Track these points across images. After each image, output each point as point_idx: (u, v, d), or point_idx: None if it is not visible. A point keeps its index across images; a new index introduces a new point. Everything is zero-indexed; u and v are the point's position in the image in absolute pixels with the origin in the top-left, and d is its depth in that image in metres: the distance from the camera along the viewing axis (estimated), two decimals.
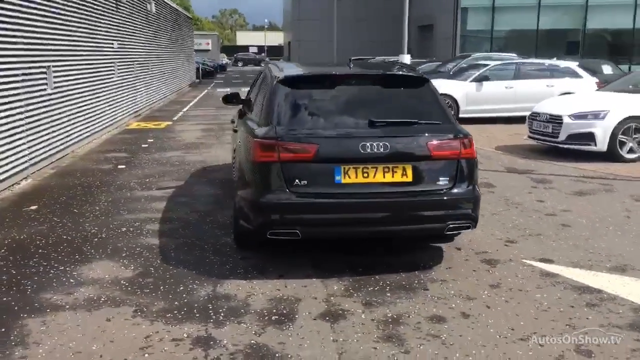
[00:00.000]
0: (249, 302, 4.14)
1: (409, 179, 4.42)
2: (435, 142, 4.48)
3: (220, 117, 16.40)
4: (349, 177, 4.38)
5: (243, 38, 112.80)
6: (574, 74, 14.96)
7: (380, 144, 4.36)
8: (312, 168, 4.39)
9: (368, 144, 4.35)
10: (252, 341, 3.58)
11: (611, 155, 9.45)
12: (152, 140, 11.97)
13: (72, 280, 4.55)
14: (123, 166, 9.19)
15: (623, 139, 9.48)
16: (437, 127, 4.61)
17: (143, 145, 11.33)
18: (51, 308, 4.06)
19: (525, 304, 4.08)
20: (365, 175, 4.39)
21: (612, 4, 27.31)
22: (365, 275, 4.60)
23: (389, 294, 4.25)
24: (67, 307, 4.08)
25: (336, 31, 32.13)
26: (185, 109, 18.92)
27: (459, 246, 5.23)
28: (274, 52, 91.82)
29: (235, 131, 6.82)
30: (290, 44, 40.65)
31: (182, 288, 4.38)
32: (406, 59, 16.74)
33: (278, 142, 4.38)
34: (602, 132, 9.47)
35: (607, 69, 19.18)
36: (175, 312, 3.99)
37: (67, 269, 4.79)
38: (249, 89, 7.17)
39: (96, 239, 5.53)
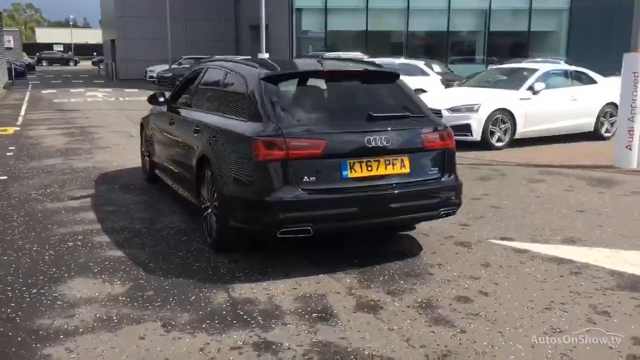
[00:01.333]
0: (276, 303, 4.07)
1: (407, 170, 4.64)
2: (427, 134, 4.75)
3: (72, 120, 15.28)
4: (355, 171, 4.48)
5: (44, 35, 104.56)
6: (423, 72, 16.24)
7: (383, 137, 4.52)
8: (320, 164, 4.43)
9: (372, 138, 4.49)
10: (314, 340, 3.55)
11: (484, 144, 10.52)
12: (13, 148, 10.83)
13: (60, 302, 4.10)
14: (4, 177, 8.24)
15: (493, 129, 10.61)
16: (424, 119, 4.88)
17: (8, 154, 10.22)
18: (63, 333, 3.65)
19: (524, 278, 4.50)
20: (369, 168, 4.52)
21: (430, 8, 29.86)
22: (365, 266, 4.72)
23: (402, 282, 4.43)
24: (81, 330, 3.70)
25: (170, 29, 31.15)
26: (22, 113, 17.22)
27: (425, 232, 5.55)
28: (83, 50, 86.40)
29: (160, 130, 6.59)
30: (114, 42, 38.49)
31: (193, 298, 4.17)
32: (265, 57, 16.81)
33: (285, 139, 4.34)
34: (476, 124, 10.52)
35: (437, 68, 21.02)
36: (208, 321, 3.80)
37: (42, 291, 4.30)
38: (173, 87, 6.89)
39: (47, 257, 4.99)
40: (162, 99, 7.08)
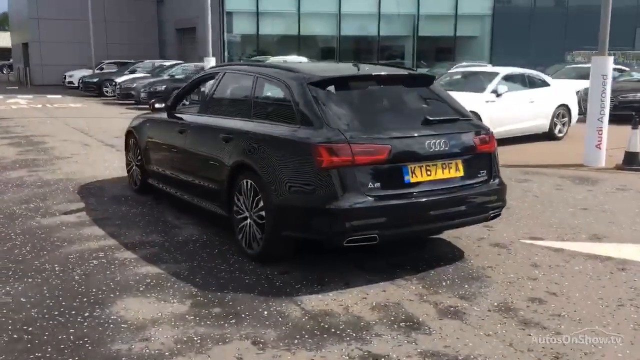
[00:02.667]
0: (356, 314, 3.96)
1: (461, 173, 4.65)
2: (478, 137, 4.78)
3: (9, 129, 14.34)
4: (416, 176, 4.44)
5: None
6: None
7: (442, 141, 4.50)
8: (384, 169, 4.35)
9: (432, 142, 4.46)
10: (419, 350, 3.48)
11: None
12: None
13: (124, 325, 3.81)
14: None
15: None
16: (472, 123, 4.91)
17: None
18: (150, 358, 3.38)
19: (579, 277, 4.61)
20: (429, 173, 4.49)
21: (361, 13, 30.29)
22: (419, 272, 4.69)
23: (466, 286, 4.42)
24: (168, 353, 3.45)
25: (92, 32, 29.86)
26: None
27: (455, 235, 5.58)
28: None
29: (162, 138, 6.28)
30: (27, 46, 36.42)
31: (266, 313, 3.98)
32: (211, 62, 16.44)
33: (350, 145, 4.23)
34: None
35: None
36: (298, 336, 3.64)
37: (96, 314, 3.98)
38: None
39: (77, 277, 4.63)
40: (158, 106, 6.75)
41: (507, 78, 12.12)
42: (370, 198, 4.26)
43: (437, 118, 4.70)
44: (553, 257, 5.04)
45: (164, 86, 19.86)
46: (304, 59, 20.22)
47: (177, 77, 21.72)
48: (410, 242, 5.38)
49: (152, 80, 21.42)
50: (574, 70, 20.11)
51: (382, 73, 5.14)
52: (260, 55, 27.01)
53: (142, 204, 6.90)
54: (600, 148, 9.41)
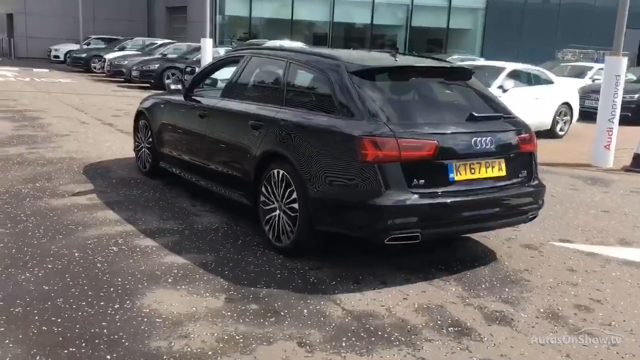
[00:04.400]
0: (400, 316, 3.80)
1: (503, 173, 4.50)
2: (520, 135, 4.63)
3: (2, 102, 13.84)
4: (460, 173, 4.29)
5: None
6: None
7: (487, 139, 4.35)
8: (430, 166, 4.19)
9: (478, 139, 4.31)
10: (475, 358, 3.34)
11: None
12: None
13: (159, 320, 3.61)
14: None
15: None
16: (515, 120, 4.76)
17: None
18: (194, 357, 3.20)
19: (619, 283, 4.52)
20: (473, 171, 4.34)
21: (355, 0, 30.02)
22: (454, 272, 4.56)
23: (507, 289, 4.30)
24: (211, 352, 3.28)
25: (81, 7, 29.14)
26: None
27: (483, 235, 5.44)
28: None
29: (179, 122, 6.06)
30: (12, 16, 35.48)
31: (306, 312, 3.81)
32: (208, 43, 16.09)
33: (397, 139, 4.06)
34: None
35: None
36: (344, 339, 3.49)
37: (126, 306, 3.77)
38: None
39: (100, 265, 4.41)
40: (174, 87, 6.50)
41: (513, 74, 12.02)
42: (414, 195, 4.09)
43: (482, 114, 4.54)
44: (588, 262, 4.93)
45: (157, 65, 19.46)
46: (301, 44, 19.88)
47: (169, 56, 21.30)
48: (439, 240, 5.23)
49: (144, 58, 20.97)
50: (567, 69, 20.16)
51: (425, 65, 4.97)
52: (253, 39, 26.62)
53: (153, 187, 6.66)
54: (609, 149, 9.36)
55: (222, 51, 19.50)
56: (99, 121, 11.66)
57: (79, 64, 26.15)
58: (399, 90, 4.62)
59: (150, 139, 6.89)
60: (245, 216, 5.52)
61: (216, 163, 5.61)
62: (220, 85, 6.30)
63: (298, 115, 4.70)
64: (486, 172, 4.41)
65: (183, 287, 4.10)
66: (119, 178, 7.04)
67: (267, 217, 4.85)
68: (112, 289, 4.00)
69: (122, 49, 25.55)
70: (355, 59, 4.79)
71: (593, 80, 18.88)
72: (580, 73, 19.56)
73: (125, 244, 4.87)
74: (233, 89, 5.64)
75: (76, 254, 4.59)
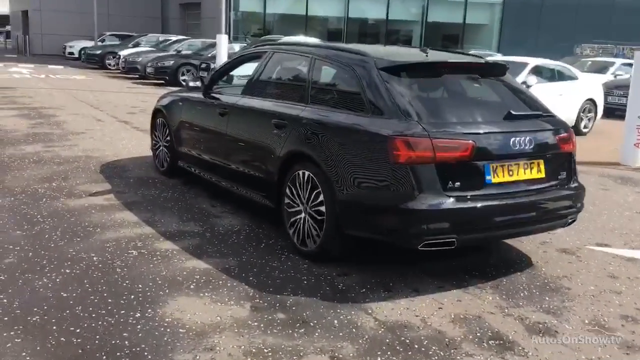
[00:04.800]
0: (436, 327, 3.59)
1: (542, 174, 4.27)
2: (560, 135, 4.39)
3: (16, 100, 13.79)
4: (497, 176, 4.06)
5: None
6: None
7: (526, 138, 4.12)
8: (466, 167, 3.97)
9: (517, 139, 4.08)
10: None
11: None
12: None
13: (182, 330, 3.42)
14: None
15: None
16: (553, 119, 4.52)
17: None
18: None
19: None
20: (510, 173, 4.11)
21: None
22: (489, 279, 4.33)
23: (547, 298, 4.07)
24: None
25: (96, 3, 29.09)
26: None
27: (518, 240, 5.20)
28: None
29: (198, 120, 5.86)
30: (27, 13, 35.55)
31: (336, 323, 3.60)
32: (224, 39, 15.89)
33: (432, 139, 3.83)
34: None
35: None
36: (379, 352, 3.28)
37: (148, 315, 3.59)
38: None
39: (119, 270, 4.23)
40: (192, 84, 6.31)
41: (536, 69, 11.73)
42: (449, 199, 3.87)
43: (521, 113, 4.30)
44: (629, 268, 4.69)
45: (172, 61, 19.32)
46: (316, 40, 19.63)
47: (183, 52, 21.17)
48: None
49: (158, 54, 20.84)
50: (588, 64, 19.77)
51: (458, 60, 4.74)
52: (267, 35, 26.44)
53: (171, 188, 6.49)
54: (638, 147, 9.06)
55: (237, 47, 19.35)
56: (114, 119, 11.53)
57: (94, 61, 26.10)
58: (432, 87, 4.40)
59: (168, 138, 6.72)
60: (267, 218, 5.33)
61: (237, 163, 5.42)
62: (240, 82, 6.10)
63: (324, 114, 4.49)
64: (524, 173, 4.18)
65: (206, 294, 3.91)
66: (136, 177, 6.88)
67: (291, 220, 4.66)
68: (132, 297, 3.82)
69: (137, 45, 25.47)
70: (385, 54, 4.58)
71: (615, 76, 18.52)
72: (602, 68, 19.19)
73: (144, 247, 4.69)
74: (255, 86, 5.44)
75: (94, 258, 4.42)
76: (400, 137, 3.86)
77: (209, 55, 18.76)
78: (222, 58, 15.14)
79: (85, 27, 31.87)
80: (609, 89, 15.12)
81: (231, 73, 6.25)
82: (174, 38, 25.36)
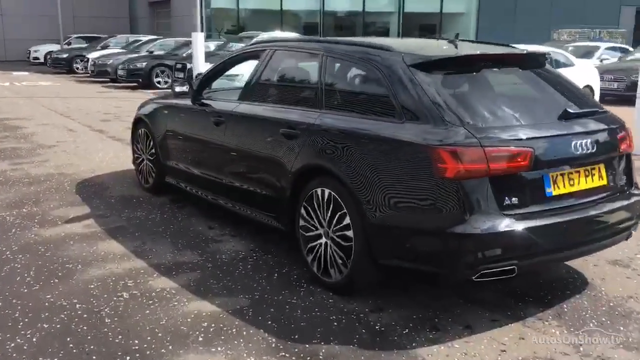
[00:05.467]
0: None
1: (604, 181, 3.65)
2: (619, 134, 3.77)
3: None
4: (558, 187, 3.42)
5: None
6: None
7: (587, 141, 3.49)
8: (524, 180, 3.33)
9: (578, 143, 3.44)
10: None
11: None
12: None
13: None
14: None
15: None
16: (609, 116, 3.90)
17: None
18: None
19: None
20: (571, 182, 3.48)
21: None
22: (548, 307, 3.71)
23: (622, 327, 3.46)
24: None
25: (60, 5, 27.92)
26: None
27: None
28: None
29: (189, 131, 5.09)
30: None
31: None
32: (200, 37, 15.05)
33: (483, 148, 3.18)
34: None
35: None
36: None
37: None
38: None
39: (109, 320, 3.51)
40: (179, 89, 5.58)
41: None
42: (507, 218, 3.22)
43: (578, 111, 3.67)
44: None
45: (144, 63, 18.42)
46: (295, 35, 18.84)
47: (156, 53, 20.27)
48: None
49: (129, 56, 19.90)
50: (569, 50, 19.32)
51: (496, 52, 4.08)
52: (242, 32, 25.59)
53: (159, 207, 5.75)
54: None
55: (212, 46, 18.53)
56: (87, 127, 10.69)
57: (61, 65, 25.01)
58: (471, 84, 3.74)
59: (153, 150, 5.97)
60: (274, 239, 4.65)
61: (238, 179, 4.72)
62: (235, 86, 5.39)
63: (345, 121, 3.80)
64: (586, 182, 3.55)
65: (219, 348, 3.22)
66: (118, 197, 6.12)
67: (309, 246, 3.98)
68: (128, 358, 3.10)
69: (106, 47, 24.45)
70: (413, 48, 3.90)
71: (601, 61, 18.12)
72: (586, 53, 18.74)
73: (136, 287, 3.97)
74: (255, 90, 4.72)
75: (77, 306, 3.69)
76: (445, 147, 3.19)
77: (184, 54, 17.92)
78: (198, 57, 14.36)
79: (51, 30, 30.70)
80: (600, 74, 14.65)
81: (225, 74, 5.51)
82: (144, 38, 24.40)
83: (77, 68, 24.20)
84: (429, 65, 3.60)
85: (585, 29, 26.72)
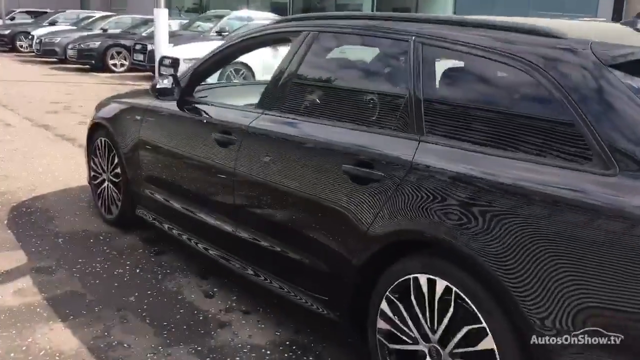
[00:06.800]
0: None
1: None
2: None
3: None
4: None
5: None
6: None
7: None
8: None
9: None
10: None
11: None
12: None
13: None
14: None
15: None
16: None
17: None
18: None
19: None
20: None
21: None
22: None
23: None
24: None
25: None
26: None
27: None
28: None
29: (176, 150, 3.14)
30: None
31: None
32: (163, 15, 13.07)
33: None
34: None
35: None
36: None
37: None
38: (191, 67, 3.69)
39: None
40: (161, 86, 3.79)
41: None
42: None
43: None
44: None
45: (98, 42, 16.30)
46: (271, 15, 16.89)
47: (111, 31, 18.11)
48: None
49: (81, 34, 17.72)
50: None
51: None
52: (205, 12, 23.54)
53: (129, 254, 4.02)
54: None
55: (174, 25, 16.52)
56: (29, 122, 8.72)
57: (2, 43, 22.50)
58: None
59: (119, 169, 4.22)
60: (311, 320, 3.01)
61: (260, 231, 3.03)
62: (245, 84, 3.66)
63: (479, 163, 2.15)
64: None
65: None
66: (67, 234, 4.34)
67: None
68: None
69: (53, 23, 22.07)
70: (595, 35, 2.25)
71: None
72: None
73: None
74: (287, 95, 3.01)
75: None
76: None
77: (143, 34, 15.90)
78: (161, 37, 12.45)
79: None
80: None
81: (224, 69, 3.77)
82: (97, 14, 22.08)
83: (21, 46, 21.84)
84: (629, 66, 2.00)
85: (564, 16, 25.76)
